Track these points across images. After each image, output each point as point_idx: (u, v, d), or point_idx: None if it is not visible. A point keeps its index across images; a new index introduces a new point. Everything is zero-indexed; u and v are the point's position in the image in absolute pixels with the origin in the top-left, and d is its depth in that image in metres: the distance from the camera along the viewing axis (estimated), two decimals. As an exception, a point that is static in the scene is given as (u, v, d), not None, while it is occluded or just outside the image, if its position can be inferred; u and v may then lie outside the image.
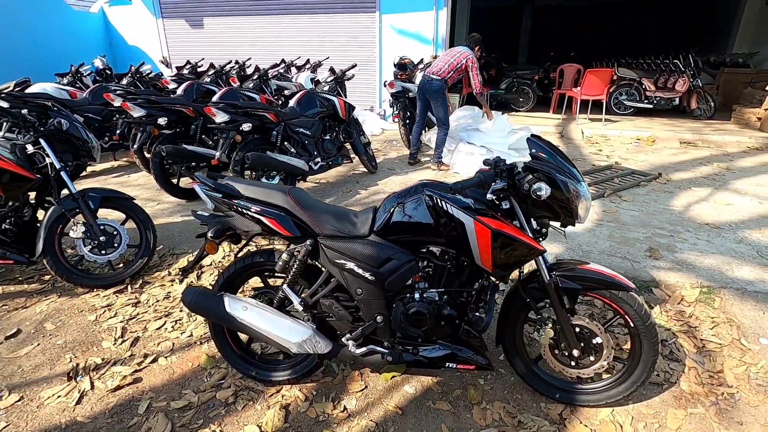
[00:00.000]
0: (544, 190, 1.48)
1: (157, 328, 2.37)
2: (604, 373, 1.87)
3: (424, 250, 1.72)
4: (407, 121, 5.56)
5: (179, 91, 5.01)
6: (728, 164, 5.13)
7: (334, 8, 7.67)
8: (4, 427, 1.75)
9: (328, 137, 4.18)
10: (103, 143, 4.94)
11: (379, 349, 1.78)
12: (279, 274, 1.82)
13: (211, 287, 2.27)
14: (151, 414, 1.82)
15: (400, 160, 5.55)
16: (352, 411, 1.85)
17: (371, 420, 1.80)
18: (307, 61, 7.25)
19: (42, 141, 2.56)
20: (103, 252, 2.74)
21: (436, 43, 7.26)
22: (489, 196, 1.55)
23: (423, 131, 5.19)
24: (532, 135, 1.69)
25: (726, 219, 3.55)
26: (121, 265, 2.90)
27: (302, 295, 1.79)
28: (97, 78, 7.25)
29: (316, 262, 1.80)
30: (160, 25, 8.93)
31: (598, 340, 1.72)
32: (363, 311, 1.76)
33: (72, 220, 2.65)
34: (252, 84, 5.67)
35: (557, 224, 1.66)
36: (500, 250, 1.57)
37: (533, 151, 1.59)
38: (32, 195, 2.73)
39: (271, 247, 1.92)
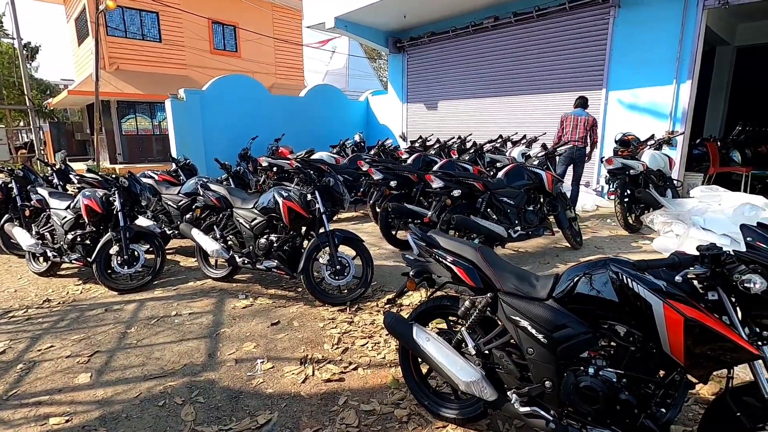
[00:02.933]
0: (758, 283, 1.34)
1: (362, 345, 2.94)
2: None
3: (606, 326, 1.71)
4: (625, 200, 5.14)
5: (409, 161, 6.11)
6: None
7: (559, 88, 7.91)
8: (261, 382, 2.53)
9: (531, 208, 4.32)
10: (351, 198, 6.40)
11: (543, 414, 1.80)
12: (460, 319, 2.10)
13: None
14: (346, 407, 2.30)
15: (611, 239, 5.10)
16: (509, 470, 1.88)
17: (527, 486, 1.79)
18: (524, 136, 7.61)
19: (317, 192, 3.66)
20: (336, 278, 3.60)
21: (674, 117, 6.53)
22: (678, 278, 1.47)
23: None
24: (753, 224, 1.52)
25: None
26: (346, 291, 3.71)
27: (477, 342, 2.00)
28: (355, 149, 9.42)
29: (494, 315, 1.99)
30: (404, 108, 11.01)
31: None
32: (532, 372, 1.83)
33: (322, 250, 3.62)
34: (468, 156, 6.38)
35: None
36: (696, 342, 1.44)
37: (749, 239, 1.45)
38: (304, 229, 3.87)
39: (457, 295, 2.22)
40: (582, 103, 6.11)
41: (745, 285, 1.34)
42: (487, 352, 1.99)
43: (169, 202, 5.03)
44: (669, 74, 6.51)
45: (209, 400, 2.38)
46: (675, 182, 5.79)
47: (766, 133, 8.65)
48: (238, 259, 3.92)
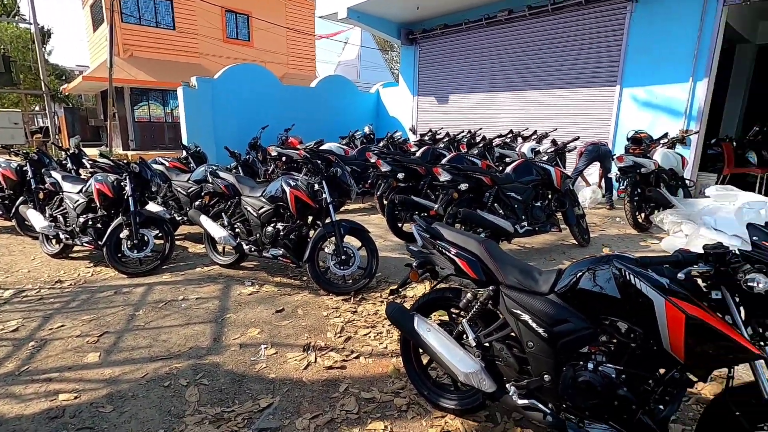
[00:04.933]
0: (762, 282, 1.33)
1: (365, 334, 2.97)
2: None
3: (607, 322, 1.71)
4: (635, 198, 5.08)
5: (418, 154, 6.09)
6: None
7: (572, 83, 7.81)
8: (264, 367, 2.58)
9: (538, 204, 4.30)
10: (358, 189, 6.41)
11: (541, 407, 1.81)
12: (462, 311, 2.11)
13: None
14: (346, 394, 2.34)
15: (620, 238, 5.06)
16: (505, 461, 1.90)
17: (522, 477, 1.81)
18: (534, 132, 7.54)
19: (324, 182, 3.67)
20: (342, 267, 3.63)
21: (689, 116, 6.42)
22: (680, 275, 1.46)
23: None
24: (764, 224, 1.51)
25: None
26: (350, 281, 3.73)
27: (478, 334, 2.01)
28: (364, 140, 9.41)
29: (496, 308, 2.00)
30: (414, 101, 10.95)
31: None
32: (531, 365, 1.84)
33: (328, 240, 3.65)
34: (477, 151, 6.34)
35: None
36: (697, 340, 1.44)
37: (755, 239, 1.43)
38: (310, 219, 3.90)
39: (460, 287, 2.23)
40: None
41: (749, 284, 1.33)
42: (487, 344, 2.00)
43: (179, 189, 5.09)
44: (686, 71, 6.39)
45: (213, 382, 2.43)
46: (687, 182, 5.71)
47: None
48: (245, 247, 3.97)
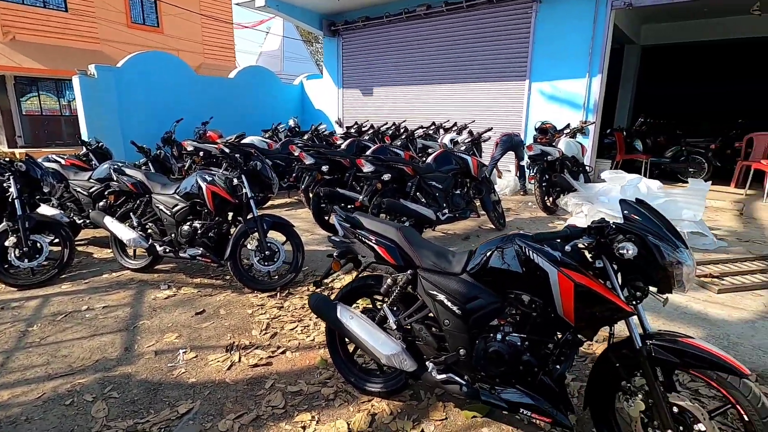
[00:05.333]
0: (630, 250, 1.52)
1: (291, 329, 2.93)
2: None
3: (513, 296, 1.85)
4: (544, 184, 5.54)
5: (343, 146, 6.08)
6: None
7: (487, 77, 8.27)
8: (183, 372, 2.44)
9: (458, 192, 4.52)
10: (283, 183, 6.25)
11: (458, 379, 1.93)
12: (384, 297, 2.17)
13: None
14: (272, 390, 2.30)
15: (531, 220, 5.50)
16: (429, 435, 2.00)
17: (444, 447, 1.92)
18: (455, 123, 7.89)
19: (243, 177, 3.53)
20: (266, 263, 3.53)
21: (587, 108, 7.12)
22: (567, 248, 1.64)
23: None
24: (634, 200, 1.73)
25: None
26: (276, 276, 3.65)
27: (398, 317, 2.09)
28: (289, 134, 9.18)
29: (415, 291, 2.08)
30: (340, 93, 10.88)
31: (701, 427, 1.55)
32: (448, 342, 1.95)
33: (250, 236, 3.52)
34: (400, 142, 6.49)
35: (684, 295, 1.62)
36: (584, 304, 1.62)
37: (626, 212, 1.64)
38: (230, 215, 3.73)
39: (381, 274, 2.28)
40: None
41: (620, 252, 1.53)
42: (408, 326, 2.08)
43: (79, 189, 4.59)
44: (582, 68, 7.06)
45: (124, 394, 2.25)
46: (587, 168, 6.34)
47: (663, 125, 9.74)
48: (158, 248, 3.70)
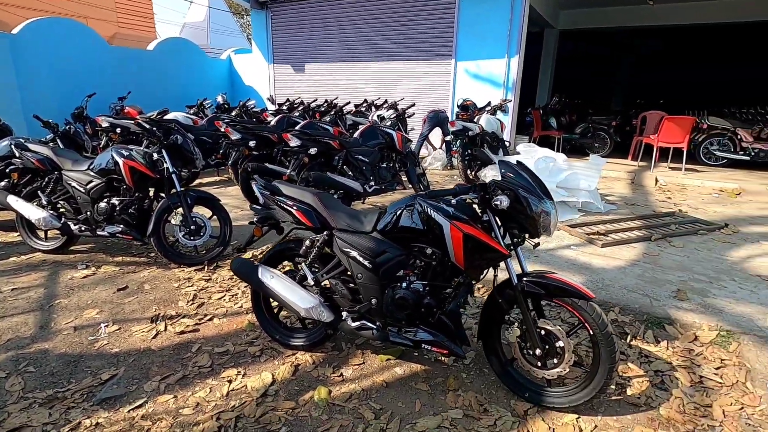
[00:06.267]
0: (504, 201, 1.81)
1: (219, 298, 3.01)
2: (572, 379, 2.02)
3: (417, 249, 2.10)
4: (466, 158, 5.93)
5: (273, 122, 6.04)
6: (823, 223, 4.61)
7: (416, 56, 8.49)
8: (106, 344, 2.45)
9: (384, 165, 4.74)
10: (211, 161, 6.09)
11: (370, 325, 2.17)
12: (303, 258, 2.33)
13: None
14: (199, 353, 2.40)
15: (455, 192, 5.90)
16: (347, 377, 2.23)
17: (359, 386, 2.16)
18: (385, 101, 8.07)
19: (163, 151, 3.47)
20: (192, 238, 3.53)
21: (506, 87, 7.62)
22: (453, 201, 1.90)
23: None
24: (508, 160, 2.02)
25: (786, 274, 3.30)
26: (204, 251, 3.66)
27: (316, 274, 2.27)
28: (218, 111, 8.82)
29: (331, 250, 2.27)
30: (271, 69, 10.58)
31: (561, 343, 1.91)
32: (362, 293, 2.17)
33: (174, 211, 3.49)
34: (329, 118, 6.55)
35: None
36: (471, 251, 1.90)
37: (503, 171, 1.93)
38: (152, 191, 3.65)
39: (302, 238, 2.43)
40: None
41: (495, 203, 1.82)
42: (326, 282, 2.27)
43: (-26, 168, 4.18)
44: (502, 49, 7.51)
45: (42, 368, 2.24)
46: (506, 143, 6.84)
47: (576, 104, 10.64)
48: (73, 227, 3.54)
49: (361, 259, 2.10)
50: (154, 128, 3.50)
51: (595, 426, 1.92)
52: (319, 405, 2.03)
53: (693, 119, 6.80)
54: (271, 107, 9.90)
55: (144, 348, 2.43)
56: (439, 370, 2.28)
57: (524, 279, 1.94)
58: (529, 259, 3.51)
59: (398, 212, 2.07)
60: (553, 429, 1.91)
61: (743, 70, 13.00)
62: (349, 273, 2.19)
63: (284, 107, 8.52)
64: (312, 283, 2.24)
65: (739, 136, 7.26)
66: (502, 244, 1.91)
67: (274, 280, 2.22)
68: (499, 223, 1.95)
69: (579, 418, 1.96)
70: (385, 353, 2.39)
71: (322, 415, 1.97)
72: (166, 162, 3.45)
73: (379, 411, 2.00)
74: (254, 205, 2.47)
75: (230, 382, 2.17)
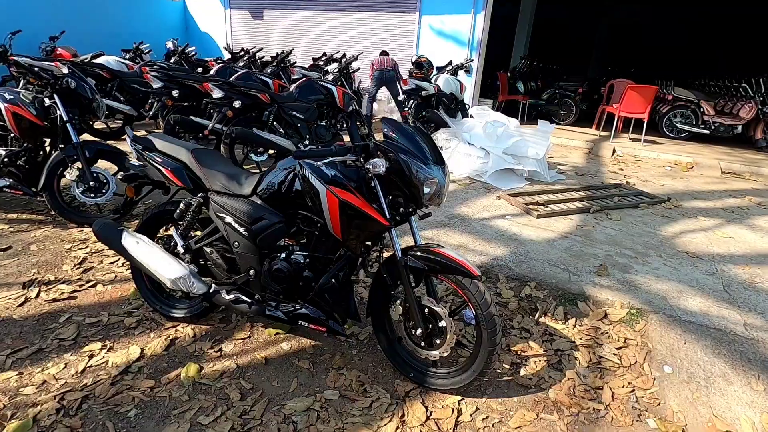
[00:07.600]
0: (380, 166, 1.57)
1: (111, 262, 2.75)
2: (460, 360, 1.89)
3: (299, 217, 1.87)
4: (421, 119, 5.63)
5: (212, 72, 5.54)
6: (764, 200, 4.60)
7: (381, 8, 7.92)
8: (-42, 311, 2.19)
9: (323, 123, 4.42)
10: (145, 112, 5.60)
11: (244, 298, 1.96)
12: (179, 222, 2.07)
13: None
14: (67, 324, 2.16)
15: (405, 155, 5.64)
16: (225, 353, 2.05)
17: (236, 362, 1.99)
18: (344, 55, 7.57)
19: (55, 96, 3.06)
20: (93, 195, 3.20)
21: (471, 46, 7.23)
22: (326, 161, 1.66)
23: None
24: (392, 118, 1.77)
25: (713, 251, 3.24)
26: (110, 210, 3.34)
27: (189, 241, 2.02)
28: (165, 58, 8.12)
29: (209, 215, 2.02)
30: (227, 15, 9.78)
31: (443, 323, 1.76)
32: (239, 263, 1.95)
33: (70, 165, 3.14)
34: (270, 70, 6.07)
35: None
36: (349, 220, 1.68)
37: (385, 130, 1.68)
38: (47, 142, 3.27)
39: (181, 200, 2.16)
40: (386, 52, 6.48)
41: (368, 167, 1.58)
42: (197, 249, 2.03)
43: None
44: (468, 3, 7.04)
45: None
46: (466, 105, 6.54)
47: (547, 69, 10.28)
48: (-46, 179, 3.16)
49: (236, 225, 1.87)
50: (36, 68, 3.07)
51: (477, 408, 1.81)
52: (184, 384, 1.85)
53: (655, 89, 6.62)
54: (228, 57, 9.23)
55: (4, 317, 2.17)
56: (329, 346, 2.12)
57: (409, 253, 1.75)
58: (455, 229, 3.35)
59: (279, 174, 1.83)
60: (431, 412, 1.79)
61: (726, 39, 12.84)
62: (226, 240, 1.96)
63: (245, 58, 7.89)
64: (182, 250, 2.00)
65: (702, 109, 7.16)
66: (387, 214, 1.69)
67: (139, 247, 1.97)
68: (387, 191, 1.72)
69: (462, 400, 1.84)
70: (274, 327, 2.21)
71: (183, 395, 1.79)
72: (59, 109, 3.05)
73: (248, 391, 1.83)
74: (130, 162, 2.17)
75: (91, 357, 1.96)
